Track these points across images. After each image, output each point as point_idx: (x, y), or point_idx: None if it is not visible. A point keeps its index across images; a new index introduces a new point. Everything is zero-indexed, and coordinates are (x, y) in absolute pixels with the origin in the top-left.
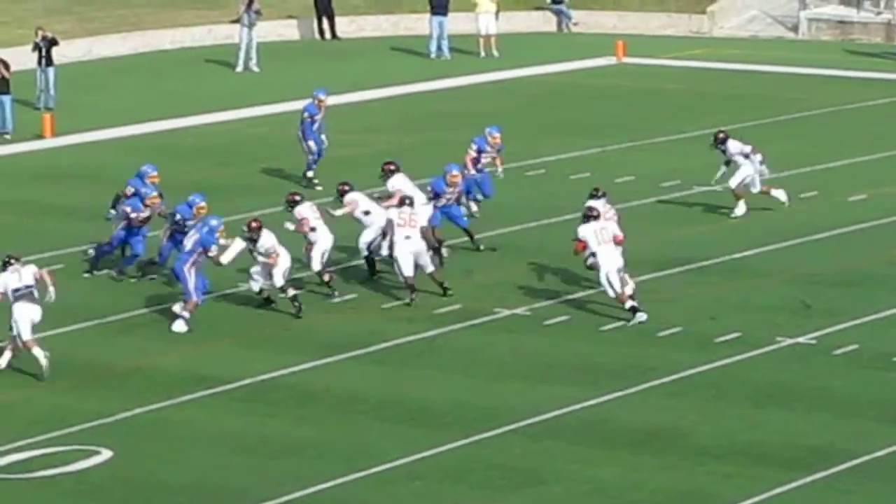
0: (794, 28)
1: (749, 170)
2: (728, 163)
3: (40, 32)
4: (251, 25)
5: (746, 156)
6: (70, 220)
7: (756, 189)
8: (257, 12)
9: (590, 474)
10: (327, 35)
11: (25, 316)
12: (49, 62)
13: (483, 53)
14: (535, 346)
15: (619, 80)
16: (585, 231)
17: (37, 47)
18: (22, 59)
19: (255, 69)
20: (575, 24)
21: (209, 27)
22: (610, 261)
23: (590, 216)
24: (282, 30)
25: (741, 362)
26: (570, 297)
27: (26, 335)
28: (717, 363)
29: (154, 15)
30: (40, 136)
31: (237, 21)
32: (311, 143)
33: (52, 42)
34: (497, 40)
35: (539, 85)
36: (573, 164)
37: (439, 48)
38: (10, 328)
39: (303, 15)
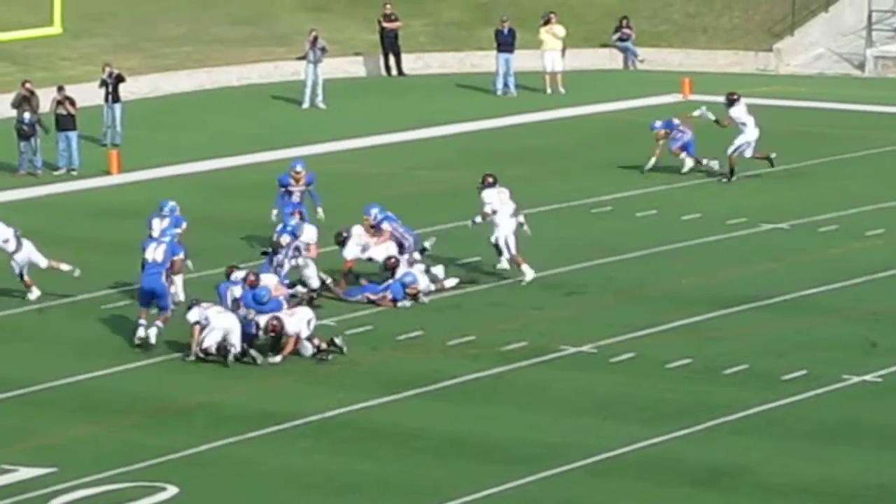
0: (861, 66)
1: (745, 138)
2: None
3: (108, 69)
4: (317, 62)
5: (744, 124)
6: (136, 257)
7: (749, 155)
8: (323, 49)
9: None
10: (393, 72)
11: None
12: (116, 98)
13: (549, 90)
14: (600, 384)
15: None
16: (489, 195)
17: (104, 84)
18: (89, 95)
19: (322, 106)
20: (641, 61)
21: (275, 64)
22: (508, 225)
23: (488, 184)
24: (348, 66)
25: (807, 400)
26: (636, 334)
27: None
28: (784, 401)
29: (220, 52)
30: (107, 173)
31: (303, 58)
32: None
33: (119, 79)
34: (563, 77)
35: (605, 122)
36: (640, 201)
37: (506, 85)
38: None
39: (369, 52)
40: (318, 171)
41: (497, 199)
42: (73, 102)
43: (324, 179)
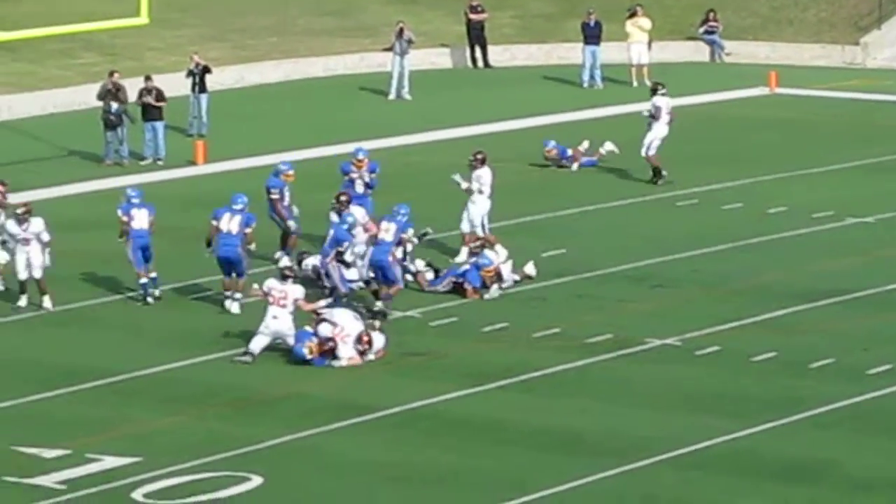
0: None
1: (655, 134)
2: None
3: (195, 59)
4: (403, 54)
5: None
6: None
7: (645, 154)
8: (409, 41)
9: None
10: (480, 64)
11: None
12: (202, 89)
13: (635, 83)
14: (685, 377)
15: (772, 111)
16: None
17: (191, 74)
18: (175, 85)
19: (408, 97)
20: (728, 54)
21: (361, 55)
22: (486, 205)
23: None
24: (434, 58)
25: (893, 394)
26: (721, 327)
27: None
28: (869, 395)
29: (306, 42)
30: (192, 163)
31: (389, 49)
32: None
33: (206, 70)
34: (649, 70)
35: (691, 115)
36: (725, 194)
37: (592, 77)
38: None
39: (456, 43)
40: (403, 163)
41: (489, 179)
42: (160, 93)
43: (408, 171)
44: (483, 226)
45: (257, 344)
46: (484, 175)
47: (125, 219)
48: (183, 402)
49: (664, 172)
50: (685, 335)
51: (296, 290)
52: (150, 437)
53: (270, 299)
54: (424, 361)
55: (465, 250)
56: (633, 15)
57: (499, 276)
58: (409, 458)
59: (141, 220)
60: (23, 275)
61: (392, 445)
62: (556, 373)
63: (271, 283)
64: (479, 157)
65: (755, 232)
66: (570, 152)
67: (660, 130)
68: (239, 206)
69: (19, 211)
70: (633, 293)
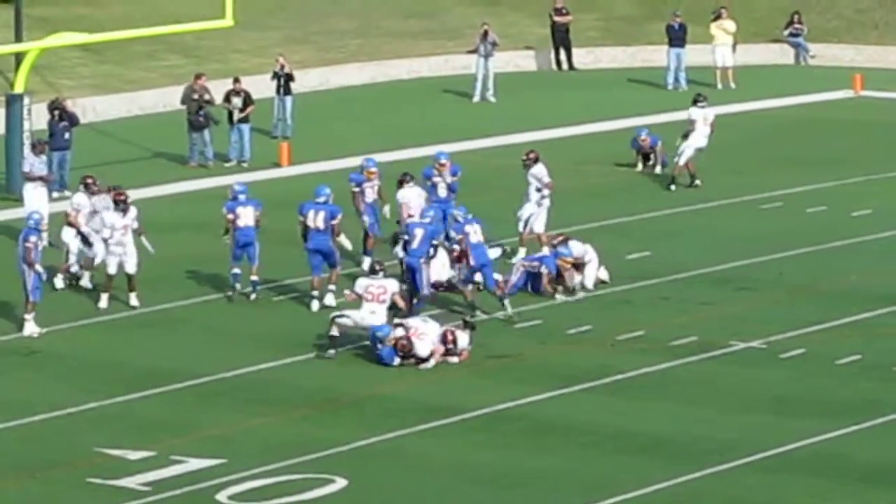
0: None
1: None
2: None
3: (280, 61)
4: (487, 56)
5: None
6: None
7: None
8: (493, 43)
9: None
10: (564, 66)
11: None
12: (287, 91)
13: (720, 85)
14: (770, 379)
15: (857, 114)
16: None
17: (276, 76)
18: (259, 88)
19: (492, 99)
20: (812, 56)
21: (446, 57)
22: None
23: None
24: (519, 60)
25: None
26: (806, 330)
27: None
28: None
29: (391, 45)
30: (277, 165)
31: (474, 51)
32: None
33: (289, 77)
34: (734, 72)
35: (776, 117)
36: (810, 197)
37: (676, 80)
38: None
39: (540, 46)
40: (488, 165)
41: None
42: (248, 96)
43: (493, 173)
44: (525, 223)
45: (340, 328)
46: (539, 172)
47: (230, 216)
48: (268, 404)
49: (698, 181)
50: (770, 338)
51: (392, 284)
52: (234, 439)
53: (368, 296)
54: (509, 364)
55: (522, 251)
56: (717, 17)
57: (576, 268)
58: (493, 461)
59: (246, 217)
60: (113, 269)
61: (476, 447)
62: (640, 375)
63: (366, 282)
64: (532, 155)
65: (839, 235)
66: (659, 143)
67: (695, 140)
68: (322, 199)
69: (119, 199)
70: (717, 296)
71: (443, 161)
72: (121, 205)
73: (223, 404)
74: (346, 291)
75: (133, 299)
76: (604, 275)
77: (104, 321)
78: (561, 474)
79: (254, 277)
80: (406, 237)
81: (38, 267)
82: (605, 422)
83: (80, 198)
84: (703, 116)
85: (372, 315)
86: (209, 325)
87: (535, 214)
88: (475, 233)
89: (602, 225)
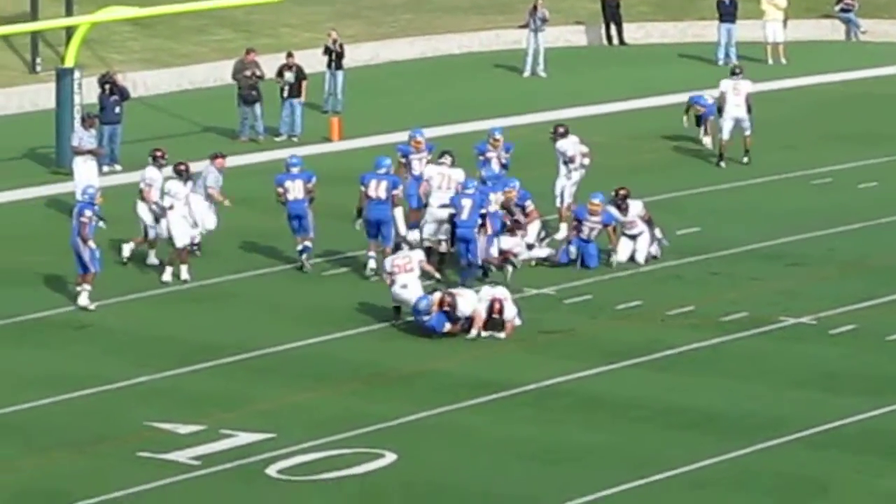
0: None
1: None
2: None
3: (332, 35)
4: (537, 31)
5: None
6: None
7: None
8: (543, 19)
9: (874, 484)
10: (615, 41)
11: None
12: (339, 66)
13: (771, 61)
14: (820, 355)
15: None
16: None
17: (328, 51)
18: (310, 62)
19: (543, 75)
20: (864, 32)
21: (497, 32)
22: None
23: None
24: (569, 35)
25: None
26: (857, 306)
27: None
28: None
29: (441, 20)
30: (328, 140)
31: (524, 26)
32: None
33: (340, 54)
34: (785, 48)
35: (827, 93)
36: (861, 173)
37: (727, 55)
38: None
39: (591, 21)
40: (538, 141)
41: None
42: (300, 71)
43: (541, 148)
44: (561, 197)
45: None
46: (562, 146)
47: (279, 190)
48: (317, 379)
49: (745, 159)
50: (820, 314)
51: (417, 253)
52: (284, 414)
53: (396, 269)
54: (558, 339)
55: (563, 227)
56: None
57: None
58: (542, 436)
59: (296, 191)
60: (183, 241)
61: (526, 423)
62: (690, 351)
63: (391, 259)
64: (560, 129)
65: (890, 211)
66: (711, 117)
67: (729, 112)
68: (382, 170)
69: (180, 168)
70: (767, 271)
71: (497, 136)
72: (183, 174)
73: (273, 379)
74: (377, 276)
75: (184, 272)
76: (655, 250)
77: (155, 295)
78: (610, 450)
79: (305, 244)
80: (453, 210)
81: (92, 243)
82: (654, 397)
83: (152, 171)
84: (732, 87)
85: (404, 289)
86: (260, 299)
87: (565, 187)
88: (496, 202)
89: (652, 200)
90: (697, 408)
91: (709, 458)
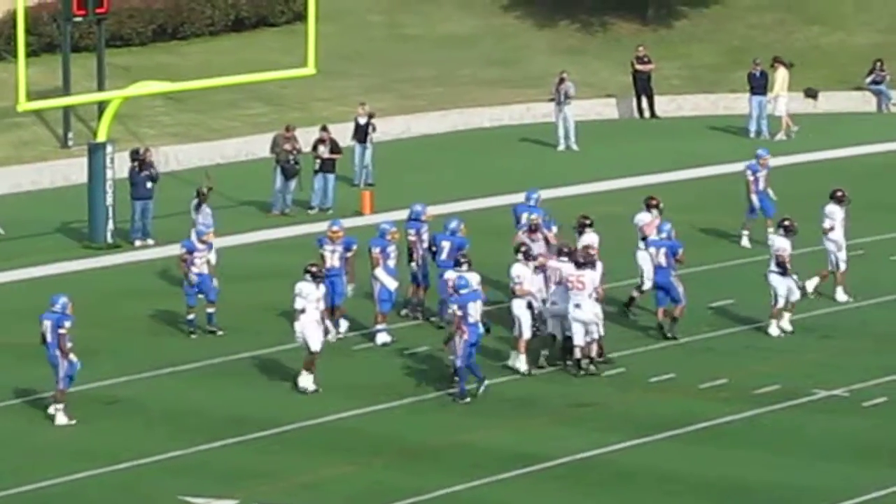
0: None
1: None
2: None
3: (365, 109)
4: (563, 104)
5: None
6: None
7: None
8: (566, 94)
9: None
10: (646, 114)
11: None
12: (366, 139)
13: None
14: (853, 428)
15: None
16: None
17: (359, 125)
18: (340, 135)
19: (575, 147)
20: (895, 104)
21: (528, 105)
22: None
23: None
24: (601, 108)
25: None
26: (889, 378)
27: None
28: None
29: (472, 93)
30: (359, 213)
31: (553, 100)
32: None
33: (372, 124)
34: (787, 121)
35: (858, 165)
36: (893, 245)
37: (759, 127)
38: None
39: (622, 94)
40: (572, 213)
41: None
42: (335, 144)
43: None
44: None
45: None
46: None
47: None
48: (350, 452)
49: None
50: (853, 386)
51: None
52: (317, 487)
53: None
54: (592, 412)
55: None
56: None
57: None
58: None
59: (332, 259)
60: (316, 345)
61: (559, 496)
62: (723, 423)
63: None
64: (585, 220)
65: None
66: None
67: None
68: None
69: (312, 270)
70: (800, 344)
71: (533, 197)
72: (317, 278)
73: (305, 452)
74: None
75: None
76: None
77: (186, 370)
78: None
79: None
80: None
81: (73, 356)
82: (689, 470)
83: (305, 286)
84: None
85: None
86: (290, 373)
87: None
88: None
89: (686, 273)
90: (732, 481)
91: None
